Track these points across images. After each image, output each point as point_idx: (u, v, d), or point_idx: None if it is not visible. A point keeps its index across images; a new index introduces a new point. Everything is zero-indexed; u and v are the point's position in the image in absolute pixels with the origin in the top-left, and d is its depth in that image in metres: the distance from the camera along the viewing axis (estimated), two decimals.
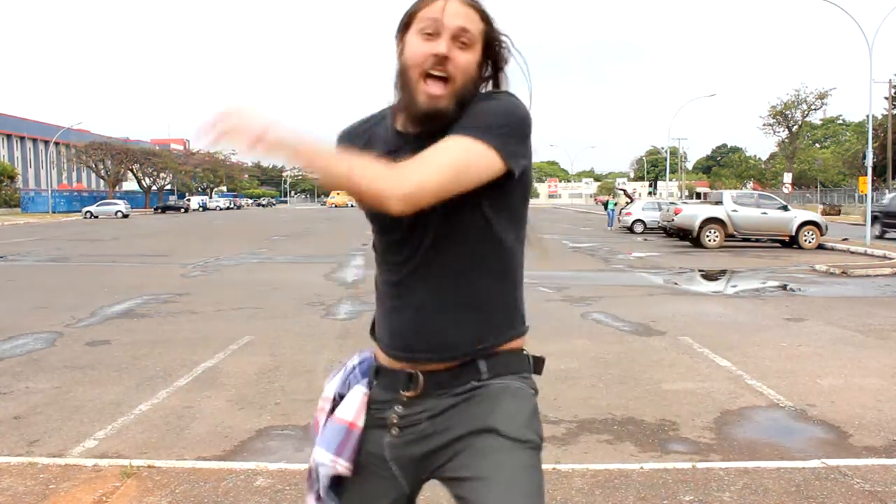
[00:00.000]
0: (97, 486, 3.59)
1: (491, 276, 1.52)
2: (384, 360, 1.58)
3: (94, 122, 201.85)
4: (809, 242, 20.11)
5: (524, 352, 1.58)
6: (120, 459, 3.99)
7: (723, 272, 14.58)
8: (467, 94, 1.47)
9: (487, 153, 1.40)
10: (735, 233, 20.67)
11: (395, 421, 1.53)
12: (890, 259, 16.35)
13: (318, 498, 1.59)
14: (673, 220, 22.10)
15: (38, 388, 5.55)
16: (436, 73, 1.44)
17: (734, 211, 20.66)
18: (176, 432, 4.55)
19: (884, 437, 4.46)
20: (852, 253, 18.66)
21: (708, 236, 20.55)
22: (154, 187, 77.52)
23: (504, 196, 1.48)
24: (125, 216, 50.97)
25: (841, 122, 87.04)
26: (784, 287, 11.89)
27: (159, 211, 66.91)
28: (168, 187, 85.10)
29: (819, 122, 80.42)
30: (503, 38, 1.53)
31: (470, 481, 1.42)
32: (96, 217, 50.22)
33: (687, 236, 21.42)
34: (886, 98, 50.83)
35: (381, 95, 1.59)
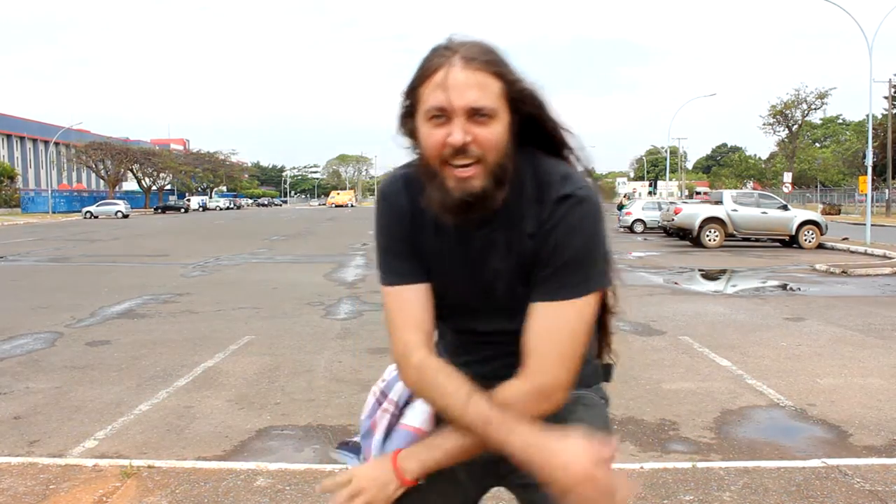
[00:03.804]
0: (97, 486, 3.59)
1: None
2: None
3: (94, 122, 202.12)
4: (809, 242, 20.11)
5: (594, 361, 1.57)
6: (120, 459, 3.99)
7: (723, 272, 14.58)
8: (502, 167, 1.29)
9: (595, 300, 1.34)
10: (735, 232, 20.68)
11: None
12: (890, 259, 16.35)
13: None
14: (673, 219, 22.11)
15: (38, 388, 5.55)
16: (459, 166, 1.26)
17: (734, 210, 20.67)
18: (176, 432, 4.55)
19: (884, 437, 4.46)
20: (852, 252, 18.66)
21: (708, 236, 20.55)
22: (154, 187, 77.53)
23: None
24: (125, 216, 50.96)
25: (841, 121, 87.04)
26: (784, 287, 11.89)
27: (159, 211, 66.93)
28: (168, 187, 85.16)
29: (819, 122, 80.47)
30: (527, 86, 1.32)
31: (539, 490, 1.36)
32: (96, 217, 50.22)
33: (687, 236, 21.42)
34: (886, 98, 50.82)
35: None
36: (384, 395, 1.56)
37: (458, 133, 1.24)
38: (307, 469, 3.84)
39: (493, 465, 1.46)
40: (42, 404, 5.14)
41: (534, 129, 1.37)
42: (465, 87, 1.24)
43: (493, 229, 1.36)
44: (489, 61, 1.27)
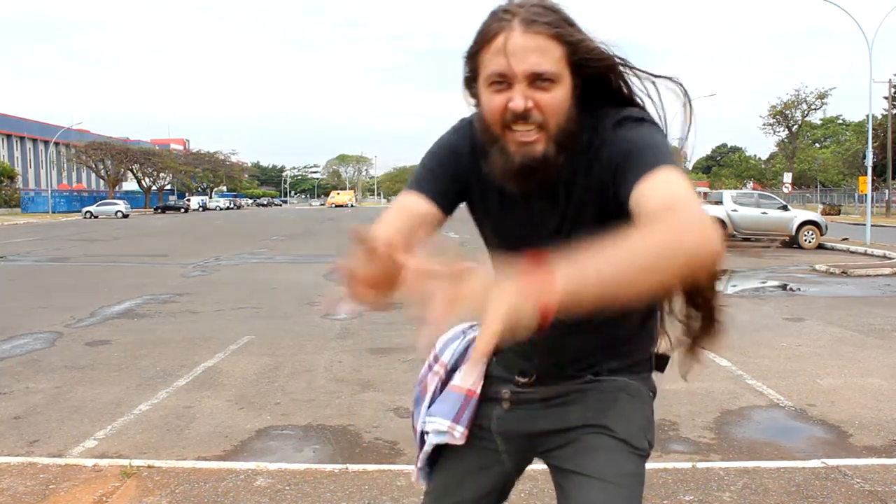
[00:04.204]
0: (97, 486, 3.59)
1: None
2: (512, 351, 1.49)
3: (94, 122, 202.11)
4: (809, 242, 20.11)
5: (650, 346, 1.51)
6: (120, 459, 3.99)
7: (723, 272, 14.56)
8: (566, 132, 1.26)
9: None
10: (735, 232, 20.67)
11: (507, 396, 1.48)
12: (890, 259, 16.35)
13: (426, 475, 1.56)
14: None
15: (38, 388, 5.55)
16: (521, 132, 1.24)
17: (734, 211, 20.67)
18: (176, 432, 4.55)
19: (884, 437, 4.46)
20: (852, 253, 18.66)
21: None
22: (154, 187, 77.54)
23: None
24: (125, 216, 50.96)
25: (841, 121, 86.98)
26: (784, 287, 11.88)
27: (159, 211, 66.92)
28: (168, 187, 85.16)
29: (819, 122, 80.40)
30: (592, 47, 1.26)
31: (575, 475, 1.38)
32: (96, 217, 50.21)
33: None
34: (886, 98, 50.82)
35: None
36: (436, 358, 1.55)
37: (519, 99, 1.21)
38: (307, 469, 3.84)
39: (532, 437, 1.46)
40: (42, 404, 5.14)
41: (605, 88, 1.32)
42: (525, 52, 1.20)
43: (556, 193, 1.32)
44: (550, 23, 1.21)
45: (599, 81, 1.31)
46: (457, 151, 1.40)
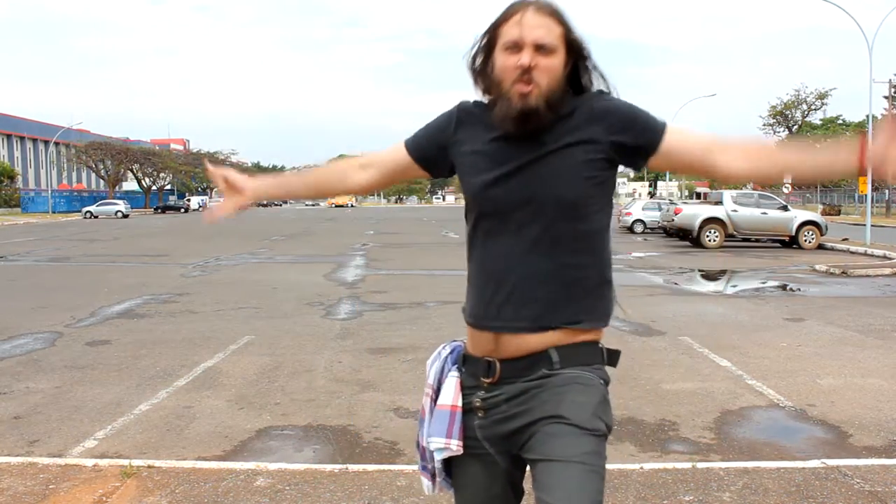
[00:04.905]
0: (97, 486, 3.59)
1: (586, 253, 1.65)
2: (470, 348, 1.72)
3: (94, 122, 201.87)
4: (809, 242, 20.11)
5: (599, 344, 1.69)
6: (120, 459, 3.99)
7: (723, 272, 14.58)
8: (555, 93, 1.60)
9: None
10: (735, 233, 20.68)
11: (478, 404, 1.67)
12: (890, 259, 16.35)
13: (433, 478, 1.77)
14: (673, 220, 22.10)
15: (38, 388, 5.55)
16: (523, 82, 1.57)
17: (734, 211, 20.67)
18: (176, 432, 4.55)
19: (884, 437, 4.46)
20: (852, 253, 18.66)
21: (708, 236, 20.55)
22: (154, 187, 77.52)
23: (613, 175, 1.68)
24: (125, 216, 50.96)
25: (841, 122, 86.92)
26: (784, 287, 11.88)
27: (159, 211, 66.90)
28: (168, 187, 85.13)
29: (819, 123, 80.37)
30: (582, 39, 1.66)
31: (541, 462, 1.55)
32: (96, 217, 50.21)
33: (687, 236, 21.41)
34: (886, 98, 50.81)
35: None
36: (428, 384, 1.77)
37: (526, 56, 1.57)
38: (307, 469, 3.84)
39: (508, 436, 1.64)
40: (42, 404, 5.14)
41: (577, 77, 1.69)
42: (535, 26, 1.58)
43: (544, 143, 1.62)
44: (554, 12, 1.62)
45: (575, 70, 1.67)
46: (451, 122, 1.76)
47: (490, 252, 1.66)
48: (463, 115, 1.73)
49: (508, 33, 1.60)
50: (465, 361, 1.73)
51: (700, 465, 3.90)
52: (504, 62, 1.60)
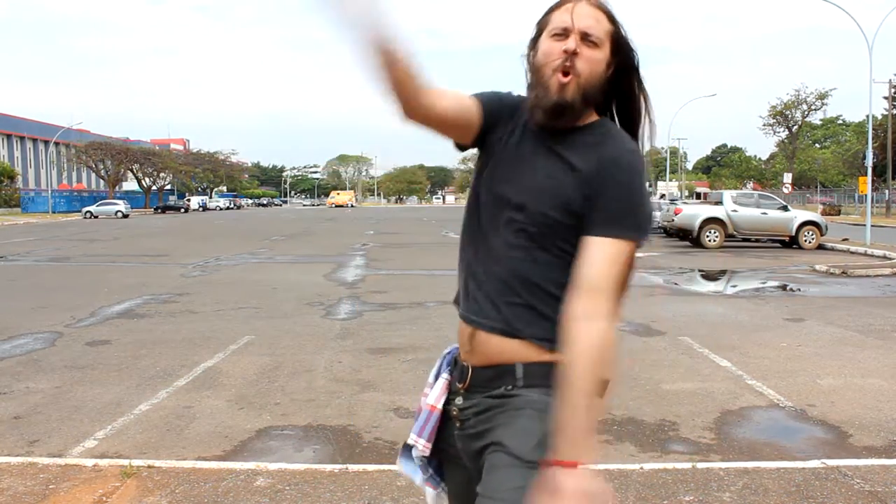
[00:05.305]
0: (97, 486, 3.59)
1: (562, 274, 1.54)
2: (459, 350, 1.67)
3: (94, 122, 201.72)
4: (809, 242, 20.11)
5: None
6: (120, 459, 3.99)
7: (723, 272, 14.58)
8: (593, 88, 1.54)
9: (635, 249, 1.52)
10: (735, 233, 20.68)
11: (455, 413, 1.63)
12: (890, 259, 16.35)
13: (426, 480, 1.72)
14: (673, 220, 22.11)
15: (38, 388, 5.55)
16: (563, 71, 1.52)
17: (734, 211, 20.67)
18: (176, 432, 4.55)
19: (884, 437, 4.46)
20: (852, 253, 18.66)
21: (708, 236, 20.55)
22: (154, 187, 77.52)
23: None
24: (125, 216, 50.96)
25: (841, 122, 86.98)
26: (784, 287, 11.88)
27: (159, 211, 66.89)
28: (168, 187, 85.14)
29: (819, 123, 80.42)
30: (631, 44, 1.59)
31: (478, 497, 1.48)
32: (96, 217, 50.22)
33: (687, 236, 21.41)
34: (886, 98, 50.82)
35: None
36: (428, 383, 1.73)
37: (572, 42, 1.52)
38: (307, 469, 3.84)
39: (476, 455, 1.58)
40: (42, 404, 5.14)
41: (620, 101, 1.63)
42: (586, 16, 1.54)
43: (558, 143, 1.56)
44: (607, 9, 1.58)
45: (620, 94, 1.62)
46: (508, 105, 1.65)
47: (478, 245, 1.61)
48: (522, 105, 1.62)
49: (558, 19, 1.56)
50: (455, 363, 1.70)
51: (700, 465, 3.90)
52: (549, 47, 1.55)
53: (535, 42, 1.61)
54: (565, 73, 1.52)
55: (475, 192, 1.66)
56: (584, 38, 1.53)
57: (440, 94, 1.53)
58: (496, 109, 1.61)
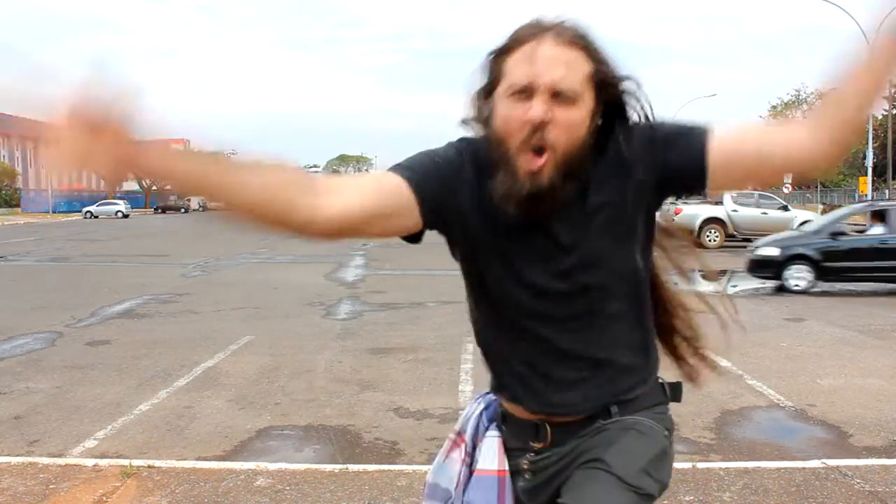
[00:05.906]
0: (97, 486, 3.59)
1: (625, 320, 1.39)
2: (509, 406, 1.45)
3: None
4: None
5: (659, 380, 1.45)
6: (120, 459, 3.99)
7: (723, 272, 14.57)
8: (575, 159, 1.20)
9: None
10: (735, 233, 20.68)
11: (526, 467, 1.43)
12: None
13: None
14: (673, 220, 22.11)
15: (38, 388, 5.55)
16: (533, 150, 1.18)
17: (734, 211, 20.67)
18: (176, 432, 4.55)
19: (884, 437, 4.46)
20: None
21: (708, 236, 20.56)
22: (154, 187, 77.47)
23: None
24: (125, 216, 51.01)
25: None
26: (784, 287, 11.87)
27: (159, 211, 66.92)
28: (168, 187, 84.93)
29: None
30: (622, 75, 1.24)
31: None
32: (96, 217, 50.26)
33: None
34: (886, 98, 50.79)
35: None
36: (455, 430, 1.53)
37: (538, 107, 1.15)
38: (307, 469, 3.84)
39: (555, 495, 1.40)
40: (42, 404, 5.14)
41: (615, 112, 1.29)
42: (553, 62, 1.16)
43: (560, 221, 1.27)
44: (581, 40, 1.20)
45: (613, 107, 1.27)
46: (456, 168, 1.28)
47: (522, 336, 1.37)
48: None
49: (517, 72, 1.18)
50: (504, 420, 1.47)
51: (700, 465, 3.90)
52: (508, 112, 1.18)
53: (487, 93, 1.23)
54: (536, 152, 1.18)
55: (482, 284, 1.36)
56: (555, 96, 1.16)
57: (345, 190, 1.19)
58: (433, 186, 1.24)
